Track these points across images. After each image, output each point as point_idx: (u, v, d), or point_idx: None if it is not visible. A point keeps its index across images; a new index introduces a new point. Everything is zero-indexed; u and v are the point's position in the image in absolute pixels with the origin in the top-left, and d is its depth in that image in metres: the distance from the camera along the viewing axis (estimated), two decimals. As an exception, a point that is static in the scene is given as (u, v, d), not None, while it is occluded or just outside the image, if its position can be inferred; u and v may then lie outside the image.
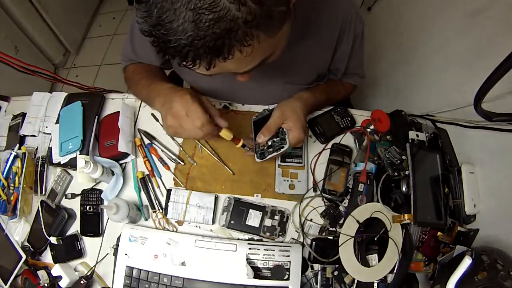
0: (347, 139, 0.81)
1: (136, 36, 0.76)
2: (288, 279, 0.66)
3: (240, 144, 0.68)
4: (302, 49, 0.70)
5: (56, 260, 0.71)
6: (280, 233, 0.71)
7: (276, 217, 0.72)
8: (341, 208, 0.73)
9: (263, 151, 0.69)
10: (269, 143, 0.69)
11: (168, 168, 0.78)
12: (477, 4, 0.75)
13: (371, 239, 0.68)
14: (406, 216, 0.65)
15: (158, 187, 0.77)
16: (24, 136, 0.85)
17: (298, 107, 0.71)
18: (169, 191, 0.75)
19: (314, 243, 0.69)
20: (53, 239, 0.70)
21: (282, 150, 0.67)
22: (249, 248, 0.68)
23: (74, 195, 0.77)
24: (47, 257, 0.73)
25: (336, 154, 0.77)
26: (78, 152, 0.76)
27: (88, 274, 0.69)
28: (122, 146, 0.74)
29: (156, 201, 0.75)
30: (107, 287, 0.70)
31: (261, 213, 0.72)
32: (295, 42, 0.67)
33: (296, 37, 0.66)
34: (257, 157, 0.70)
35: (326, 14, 0.67)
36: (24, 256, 0.71)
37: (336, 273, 0.67)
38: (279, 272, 0.66)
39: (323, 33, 0.69)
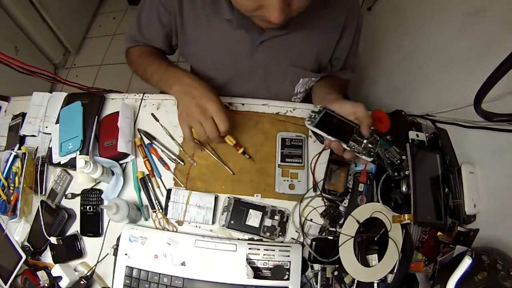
0: (347, 139, 0.81)
1: (144, 17, 0.78)
2: (288, 279, 0.66)
3: (241, 150, 0.68)
4: (311, 31, 0.73)
5: (56, 260, 0.71)
6: (280, 233, 0.71)
7: (276, 217, 0.72)
8: (341, 208, 0.73)
9: (369, 150, 0.63)
10: (363, 143, 0.64)
11: (168, 168, 0.78)
12: (477, 4, 0.75)
13: (371, 239, 0.68)
14: (406, 216, 0.65)
15: (158, 187, 0.77)
16: (24, 136, 0.85)
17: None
18: (169, 191, 0.75)
19: (314, 243, 0.69)
20: (53, 239, 0.70)
21: (378, 143, 0.64)
22: (249, 248, 0.68)
23: (74, 195, 0.77)
24: (47, 257, 0.73)
25: (336, 154, 0.76)
26: (78, 152, 0.76)
27: (88, 274, 0.69)
28: (122, 146, 0.74)
29: (156, 201, 0.75)
30: (107, 287, 0.69)
31: (261, 213, 0.72)
32: (305, 22, 0.70)
33: (307, 18, 0.69)
34: (367, 157, 0.63)
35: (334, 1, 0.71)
36: (24, 256, 0.71)
37: (336, 273, 0.67)
38: (279, 272, 0.66)
39: (331, 18, 0.73)
